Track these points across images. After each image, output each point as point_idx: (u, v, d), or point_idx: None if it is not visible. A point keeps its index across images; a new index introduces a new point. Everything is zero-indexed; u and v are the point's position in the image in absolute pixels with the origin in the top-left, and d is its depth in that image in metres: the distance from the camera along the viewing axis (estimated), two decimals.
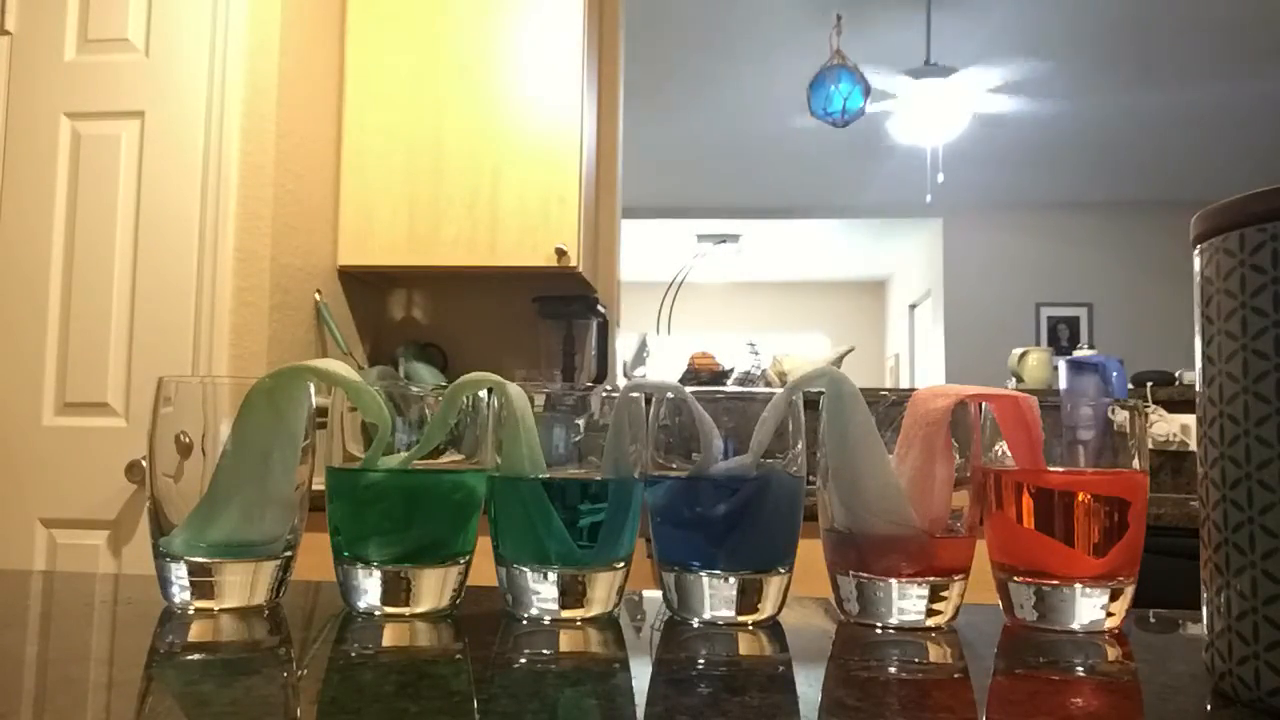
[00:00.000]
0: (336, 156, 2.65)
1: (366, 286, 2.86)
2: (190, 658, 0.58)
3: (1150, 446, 2.62)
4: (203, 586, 0.67)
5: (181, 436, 0.69)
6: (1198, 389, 0.52)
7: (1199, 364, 0.51)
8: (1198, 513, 0.52)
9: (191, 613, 0.67)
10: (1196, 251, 0.52)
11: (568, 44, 2.66)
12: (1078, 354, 2.95)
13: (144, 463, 2.06)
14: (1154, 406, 2.75)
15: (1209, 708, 0.50)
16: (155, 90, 2.19)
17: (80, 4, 2.22)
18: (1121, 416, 0.71)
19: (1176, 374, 2.96)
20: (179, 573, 0.67)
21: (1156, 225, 7.27)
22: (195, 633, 0.63)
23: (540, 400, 0.70)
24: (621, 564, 0.69)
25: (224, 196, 2.18)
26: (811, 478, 0.71)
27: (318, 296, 2.52)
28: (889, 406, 0.70)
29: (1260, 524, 0.47)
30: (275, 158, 2.30)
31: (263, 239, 2.26)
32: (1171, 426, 2.72)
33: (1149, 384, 2.84)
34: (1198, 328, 0.52)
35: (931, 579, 0.67)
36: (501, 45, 2.66)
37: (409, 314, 2.99)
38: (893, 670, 0.57)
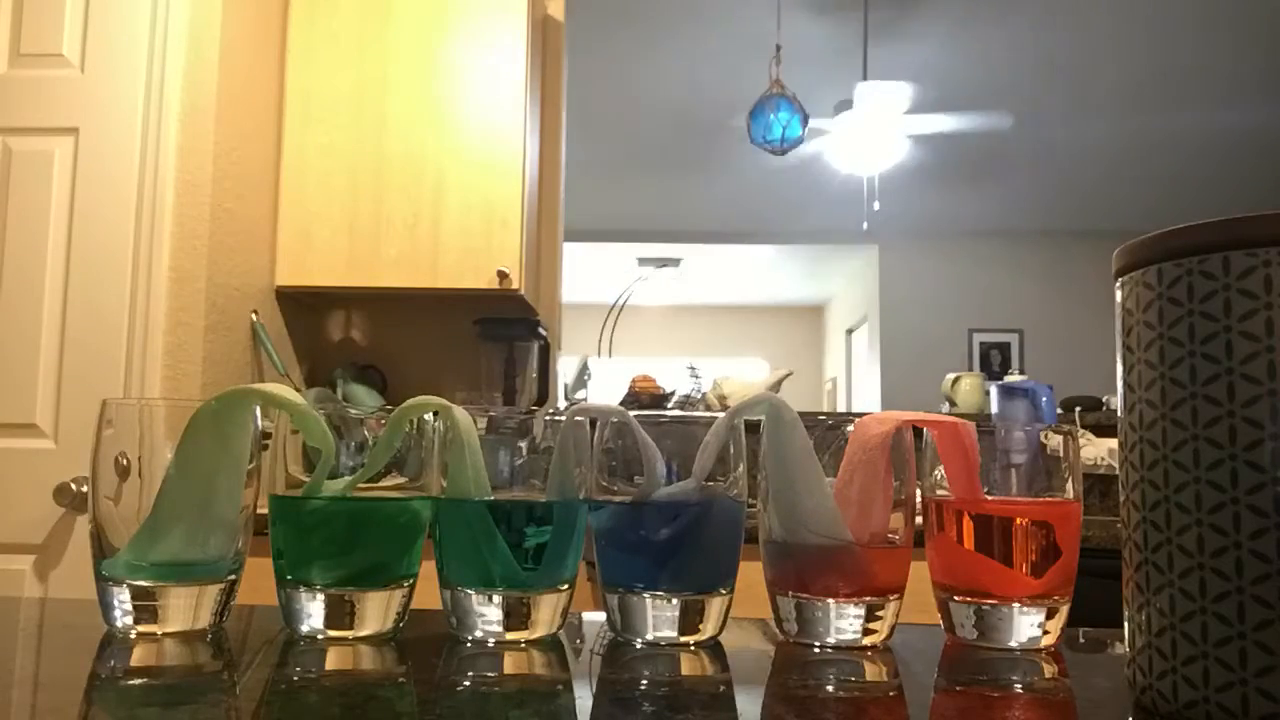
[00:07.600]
0: (276, 176, 2.63)
1: (305, 307, 2.84)
2: (133, 682, 0.58)
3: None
4: (146, 610, 0.66)
5: (120, 459, 0.68)
6: (1119, 415, 0.54)
7: (1120, 392, 0.54)
8: (1120, 534, 0.54)
9: (134, 637, 0.66)
10: (1118, 284, 0.55)
11: (511, 66, 2.67)
12: (1009, 379, 3.01)
13: (74, 485, 2.01)
14: (1083, 431, 2.82)
15: None
16: (90, 107, 2.15)
17: (13, 17, 2.18)
18: (1055, 442, 0.73)
19: (1104, 399, 3.03)
20: (121, 596, 0.66)
21: (1084, 255, 7.48)
22: (138, 657, 0.63)
23: (483, 423, 0.71)
24: (566, 586, 0.70)
25: (159, 215, 2.15)
26: (751, 500, 0.73)
27: (254, 317, 2.49)
28: (826, 430, 0.72)
29: (1178, 544, 0.49)
30: (213, 176, 2.28)
31: (198, 259, 2.24)
32: (1099, 450, 2.78)
33: (1078, 409, 2.91)
34: (1119, 357, 0.54)
35: (868, 599, 0.69)
36: (444, 66, 2.66)
37: (348, 335, 2.96)
38: (830, 688, 0.59)
